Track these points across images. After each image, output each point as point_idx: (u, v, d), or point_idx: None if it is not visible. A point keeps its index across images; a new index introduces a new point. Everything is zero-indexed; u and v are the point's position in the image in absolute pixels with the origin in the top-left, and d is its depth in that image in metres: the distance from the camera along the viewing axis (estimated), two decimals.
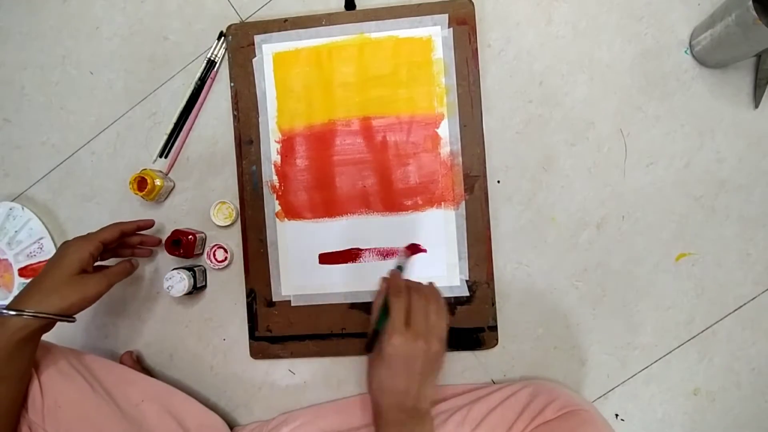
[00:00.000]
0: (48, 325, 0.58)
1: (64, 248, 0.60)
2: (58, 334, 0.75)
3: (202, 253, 0.73)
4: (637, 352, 0.69)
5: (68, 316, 0.58)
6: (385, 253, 0.70)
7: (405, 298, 0.58)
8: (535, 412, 0.60)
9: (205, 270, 0.73)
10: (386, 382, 0.55)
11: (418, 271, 0.69)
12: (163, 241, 0.71)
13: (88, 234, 0.62)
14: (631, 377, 0.69)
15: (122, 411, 0.62)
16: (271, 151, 0.71)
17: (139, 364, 0.74)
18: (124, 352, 0.74)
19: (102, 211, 0.75)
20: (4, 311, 0.56)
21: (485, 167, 0.69)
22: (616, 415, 0.70)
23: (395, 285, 0.60)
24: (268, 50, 0.71)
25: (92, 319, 0.75)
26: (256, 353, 0.72)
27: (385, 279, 0.64)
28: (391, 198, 0.70)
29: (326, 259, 0.70)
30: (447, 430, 0.60)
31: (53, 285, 0.57)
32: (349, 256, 0.70)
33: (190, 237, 0.69)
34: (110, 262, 0.66)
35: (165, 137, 0.73)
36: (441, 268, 0.69)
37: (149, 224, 0.70)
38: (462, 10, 0.68)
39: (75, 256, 0.59)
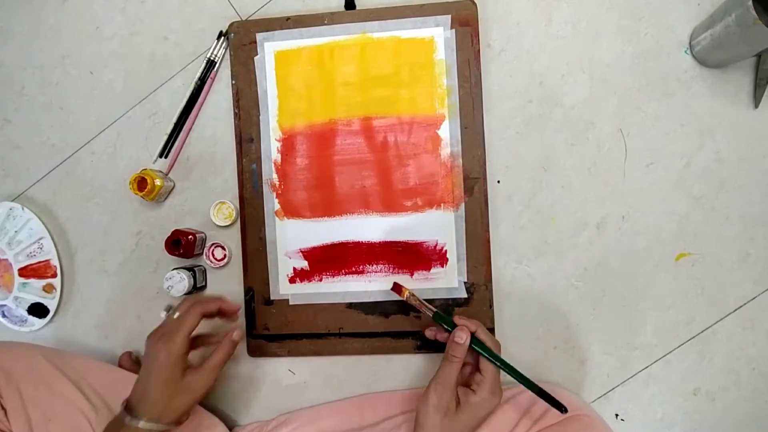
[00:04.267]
0: None
1: (155, 352, 0.55)
2: (57, 335, 0.76)
3: (201, 253, 0.73)
4: (637, 352, 0.69)
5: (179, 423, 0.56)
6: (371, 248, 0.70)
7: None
8: (536, 417, 0.60)
9: (204, 270, 0.73)
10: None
11: (418, 273, 0.69)
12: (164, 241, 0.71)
13: (171, 328, 0.56)
14: (631, 377, 0.69)
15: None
16: (271, 149, 0.71)
17: (138, 364, 0.74)
18: (123, 352, 0.74)
19: (102, 211, 0.75)
20: (133, 422, 0.53)
21: (485, 169, 0.69)
22: (616, 415, 0.70)
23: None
24: (270, 48, 0.71)
25: (92, 320, 0.75)
26: (254, 351, 0.72)
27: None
28: (390, 198, 0.70)
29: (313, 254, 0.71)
30: None
31: (163, 396, 0.54)
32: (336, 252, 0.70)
33: (190, 237, 0.69)
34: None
35: (165, 137, 0.73)
36: (440, 269, 0.69)
37: (234, 310, 0.63)
38: (465, 11, 0.68)
39: (171, 362, 0.55)
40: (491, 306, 0.69)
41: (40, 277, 0.75)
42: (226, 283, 0.73)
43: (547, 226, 0.70)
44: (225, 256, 0.72)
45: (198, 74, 0.73)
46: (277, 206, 0.71)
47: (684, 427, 0.69)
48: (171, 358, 0.55)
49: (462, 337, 0.57)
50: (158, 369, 0.55)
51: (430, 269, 0.69)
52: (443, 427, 0.54)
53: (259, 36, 0.71)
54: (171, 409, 0.55)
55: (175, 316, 0.58)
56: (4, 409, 0.59)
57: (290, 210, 0.71)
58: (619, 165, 0.69)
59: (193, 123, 0.73)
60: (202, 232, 0.73)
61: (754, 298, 0.68)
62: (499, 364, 0.58)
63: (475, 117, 0.68)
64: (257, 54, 0.71)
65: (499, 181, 0.70)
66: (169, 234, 0.70)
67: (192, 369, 0.57)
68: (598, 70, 0.69)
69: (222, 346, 0.59)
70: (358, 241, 0.70)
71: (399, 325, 0.70)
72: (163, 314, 0.68)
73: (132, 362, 0.73)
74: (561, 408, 0.57)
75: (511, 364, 0.58)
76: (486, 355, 0.57)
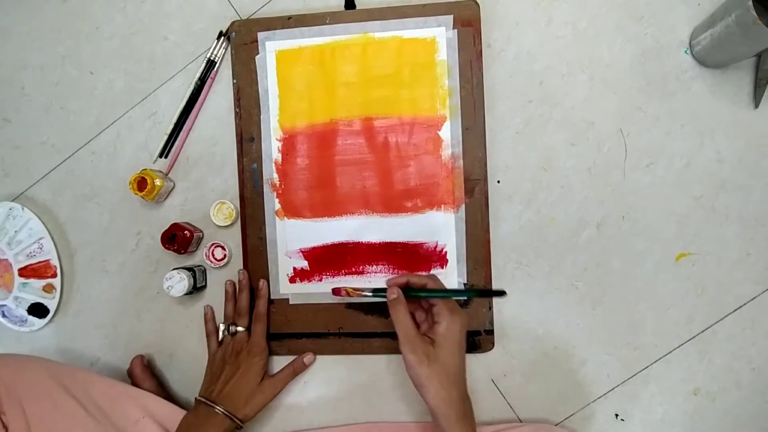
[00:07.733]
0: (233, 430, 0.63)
1: (249, 364, 0.66)
2: (57, 336, 0.76)
3: (196, 250, 0.73)
4: (637, 352, 0.69)
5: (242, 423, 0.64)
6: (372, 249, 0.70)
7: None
8: None
9: (205, 270, 0.73)
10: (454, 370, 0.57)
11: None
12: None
13: (263, 350, 0.68)
14: (631, 377, 0.69)
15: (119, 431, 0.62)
16: (272, 149, 0.71)
17: (148, 369, 0.72)
18: (135, 356, 0.72)
19: (102, 211, 0.75)
20: (211, 410, 0.63)
21: (486, 171, 0.69)
22: (616, 415, 0.70)
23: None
24: (272, 48, 0.71)
25: (92, 320, 0.75)
26: None
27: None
28: (391, 199, 0.70)
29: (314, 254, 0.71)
30: None
31: (243, 394, 0.65)
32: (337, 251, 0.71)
33: (186, 233, 0.69)
34: None
35: (165, 137, 0.73)
36: (440, 270, 0.69)
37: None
38: (467, 11, 0.68)
39: (259, 372, 0.67)
40: (491, 307, 0.69)
41: (40, 277, 0.75)
42: None
43: (547, 226, 0.70)
44: (225, 256, 0.72)
45: (198, 74, 0.73)
46: (278, 206, 0.71)
47: (684, 427, 0.69)
48: (260, 369, 0.67)
49: (393, 292, 0.59)
50: (249, 375, 0.66)
51: (430, 270, 0.69)
52: (435, 371, 0.55)
53: (260, 35, 0.71)
54: (247, 406, 0.64)
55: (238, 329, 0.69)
56: (6, 428, 0.59)
57: (291, 210, 0.71)
58: (619, 165, 0.69)
59: (193, 123, 0.73)
60: (200, 231, 0.73)
61: (754, 298, 0.68)
62: (439, 294, 0.60)
63: (477, 118, 0.68)
64: (258, 53, 0.71)
65: (499, 181, 0.70)
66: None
67: (267, 377, 0.68)
68: (598, 70, 0.69)
69: (293, 363, 0.70)
70: (359, 242, 0.70)
71: None
72: (222, 327, 0.69)
73: (143, 367, 0.71)
74: (502, 293, 0.60)
75: (446, 288, 0.63)
76: (424, 294, 0.60)
